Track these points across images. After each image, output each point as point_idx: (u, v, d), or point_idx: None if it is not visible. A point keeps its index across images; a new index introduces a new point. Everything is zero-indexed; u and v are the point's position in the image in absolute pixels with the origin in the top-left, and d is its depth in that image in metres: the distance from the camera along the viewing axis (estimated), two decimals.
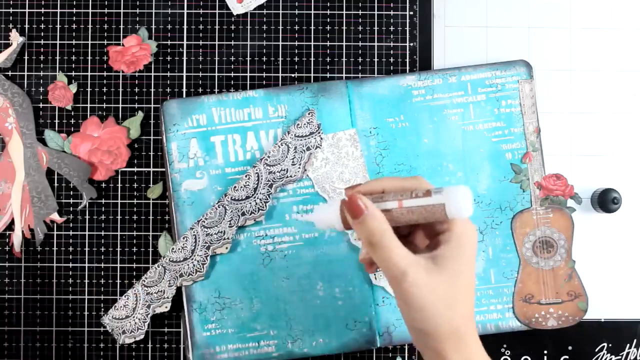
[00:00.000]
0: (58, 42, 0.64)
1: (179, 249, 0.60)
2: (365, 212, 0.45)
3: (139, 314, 0.60)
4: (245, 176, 0.61)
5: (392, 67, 0.65)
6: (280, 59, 0.65)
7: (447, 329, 0.45)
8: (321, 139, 0.61)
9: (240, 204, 0.61)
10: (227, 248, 0.61)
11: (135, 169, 0.64)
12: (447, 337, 0.46)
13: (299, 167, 0.61)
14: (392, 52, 0.65)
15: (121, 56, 0.63)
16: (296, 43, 0.65)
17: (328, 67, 0.64)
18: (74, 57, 0.64)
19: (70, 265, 0.63)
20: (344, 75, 0.64)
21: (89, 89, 0.64)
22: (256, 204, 0.61)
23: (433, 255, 0.46)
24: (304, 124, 0.61)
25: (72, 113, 0.64)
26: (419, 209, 0.45)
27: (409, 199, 0.46)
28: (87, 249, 0.63)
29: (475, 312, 0.62)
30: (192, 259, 0.60)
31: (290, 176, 0.61)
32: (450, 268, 0.45)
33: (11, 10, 0.64)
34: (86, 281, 0.63)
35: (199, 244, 0.60)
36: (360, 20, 0.65)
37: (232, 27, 0.65)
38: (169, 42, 0.64)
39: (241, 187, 0.61)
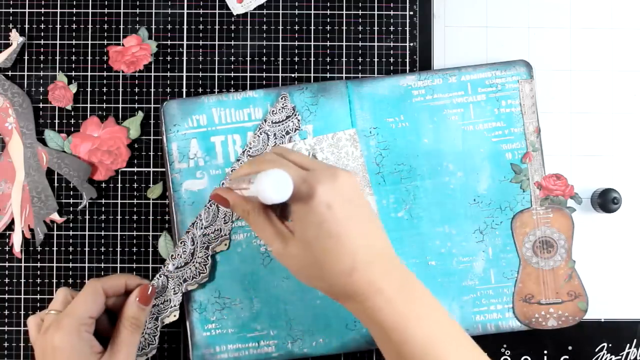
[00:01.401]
0: (58, 42, 0.64)
1: (178, 254, 0.60)
2: (230, 202, 0.53)
3: (148, 328, 0.60)
4: (231, 170, 0.61)
5: (392, 67, 0.65)
6: (280, 59, 0.65)
7: (327, 290, 0.49)
8: (298, 120, 0.61)
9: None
10: (226, 245, 0.61)
11: (135, 169, 0.64)
12: (338, 297, 0.49)
13: None
14: (392, 52, 0.65)
15: (121, 56, 0.63)
16: (296, 43, 0.65)
17: (328, 67, 0.64)
18: (74, 57, 0.64)
19: (70, 265, 0.63)
20: (344, 75, 0.64)
21: (89, 89, 0.64)
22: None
23: (293, 224, 0.49)
24: (279, 110, 0.61)
25: (72, 113, 0.64)
26: (252, 196, 0.48)
27: (246, 185, 0.49)
28: (87, 249, 0.63)
29: (474, 311, 0.62)
30: (194, 262, 0.60)
31: None
32: (300, 238, 0.48)
33: (11, 10, 0.64)
34: (86, 281, 0.63)
35: (197, 246, 0.60)
36: (360, 20, 0.65)
37: (232, 27, 0.65)
38: (169, 42, 0.64)
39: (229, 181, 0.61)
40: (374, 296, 0.47)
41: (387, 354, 0.49)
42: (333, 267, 0.47)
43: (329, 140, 0.62)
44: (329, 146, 0.62)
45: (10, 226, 0.63)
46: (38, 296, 0.63)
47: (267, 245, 0.52)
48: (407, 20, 0.65)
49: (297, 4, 0.65)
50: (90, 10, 0.64)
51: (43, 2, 0.64)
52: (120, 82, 0.64)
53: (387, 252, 0.50)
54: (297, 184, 0.47)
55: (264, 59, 0.65)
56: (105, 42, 0.64)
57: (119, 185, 0.64)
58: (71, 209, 0.64)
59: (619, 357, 0.64)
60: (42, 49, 0.64)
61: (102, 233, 0.64)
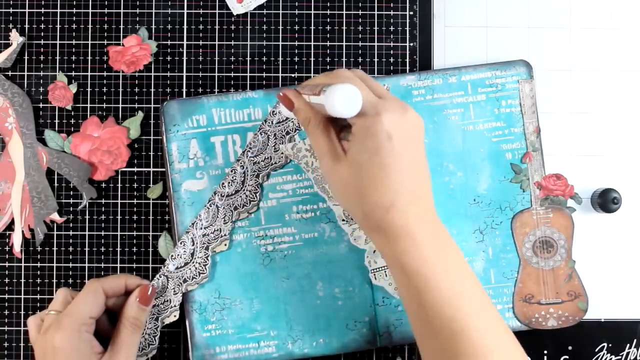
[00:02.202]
0: (58, 42, 0.64)
1: (178, 254, 0.60)
2: (295, 105, 0.53)
3: (148, 328, 0.60)
4: (231, 171, 0.61)
5: (392, 67, 0.65)
6: (280, 59, 0.65)
7: (361, 218, 0.49)
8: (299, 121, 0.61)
9: (231, 199, 0.61)
10: (226, 245, 0.61)
11: (135, 169, 0.64)
12: (369, 228, 0.49)
13: (282, 153, 0.61)
14: (392, 52, 0.65)
15: (121, 56, 0.63)
16: (296, 43, 0.65)
17: (328, 67, 0.64)
18: (74, 57, 0.64)
19: (70, 265, 0.63)
20: None
21: (89, 89, 0.64)
22: (246, 196, 0.61)
23: (348, 143, 0.49)
24: (279, 111, 0.61)
25: (72, 113, 0.64)
26: (319, 105, 0.48)
27: (314, 95, 0.49)
28: (87, 249, 0.63)
29: None
30: (194, 262, 0.60)
31: (275, 163, 0.61)
32: (351, 159, 0.48)
33: (11, 10, 0.64)
34: (86, 281, 0.63)
35: (197, 246, 0.60)
36: (360, 20, 0.65)
37: (232, 27, 0.65)
38: (169, 42, 0.64)
39: (228, 182, 0.61)
40: (404, 238, 0.47)
41: (406, 300, 0.49)
42: (373, 198, 0.47)
43: None
44: None
45: (10, 226, 0.63)
46: (38, 296, 0.63)
47: (317, 158, 0.51)
48: (407, 20, 0.65)
49: (297, 4, 0.65)
50: (90, 10, 0.64)
51: (43, 2, 0.64)
52: (120, 82, 0.64)
53: (427, 199, 0.50)
54: (365, 105, 0.47)
55: (264, 59, 0.64)
56: (105, 42, 0.64)
57: (119, 185, 0.64)
58: (71, 209, 0.64)
59: (619, 357, 0.64)
60: (42, 49, 0.64)
61: (102, 233, 0.64)
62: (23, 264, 0.63)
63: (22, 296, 0.64)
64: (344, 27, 0.65)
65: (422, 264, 0.47)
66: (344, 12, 0.65)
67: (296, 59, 0.64)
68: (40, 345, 0.54)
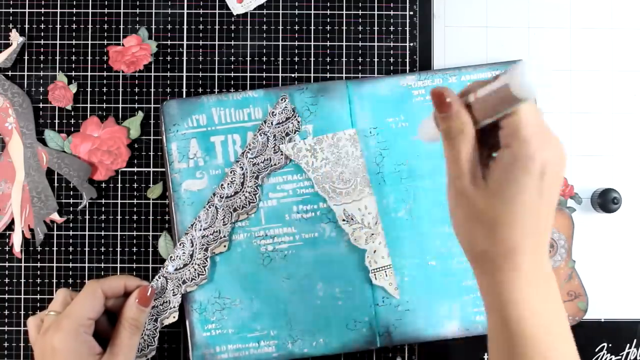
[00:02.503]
0: (58, 42, 0.64)
1: (177, 256, 0.60)
2: (452, 109, 0.44)
3: (148, 329, 0.60)
4: (231, 172, 0.61)
5: (392, 67, 0.65)
6: (280, 59, 0.65)
7: (473, 248, 0.45)
8: (299, 122, 0.61)
9: (230, 201, 0.61)
10: (225, 246, 0.61)
11: (135, 169, 0.64)
12: (475, 257, 0.46)
13: (282, 155, 0.61)
14: (392, 52, 0.65)
15: (121, 56, 0.63)
16: (296, 43, 0.65)
17: (328, 67, 0.64)
18: (74, 57, 0.64)
19: (70, 265, 0.63)
20: (344, 75, 0.64)
21: (89, 89, 0.64)
22: (245, 197, 0.61)
23: (490, 170, 0.44)
24: (279, 112, 0.61)
25: (72, 113, 0.64)
26: (490, 98, 0.43)
27: (482, 88, 0.43)
28: (87, 249, 0.63)
29: (474, 311, 0.62)
30: (193, 264, 0.60)
31: (275, 164, 0.61)
32: (493, 189, 0.43)
33: (11, 10, 0.64)
34: (86, 281, 0.63)
35: (196, 247, 0.60)
36: (360, 20, 0.65)
37: (232, 27, 0.65)
38: (169, 42, 0.64)
39: (228, 183, 0.61)
40: (509, 272, 0.44)
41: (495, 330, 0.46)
42: (499, 235, 0.43)
43: (329, 140, 0.62)
44: (329, 146, 0.62)
45: (10, 226, 0.63)
46: (38, 296, 0.63)
47: (452, 175, 0.45)
48: (407, 20, 0.65)
49: (297, 4, 0.65)
50: (90, 10, 0.64)
51: (43, 2, 0.64)
52: (120, 82, 0.64)
53: (545, 240, 0.45)
54: (527, 130, 0.42)
55: (264, 59, 0.65)
56: (105, 42, 0.64)
57: (119, 185, 0.64)
58: (71, 209, 0.64)
59: (619, 357, 0.64)
60: (42, 49, 0.64)
61: (102, 233, 0.64)
62: (23, 264, 0.63)
63: (22, 296, 0.64)
64: (344, 27, 0.65)
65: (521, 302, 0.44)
66: (344, 12, 0.65)
67: (296, 59, 0.64)
68: (39, 345, 0.54)
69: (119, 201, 0.64)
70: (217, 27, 0.65)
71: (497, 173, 0.43)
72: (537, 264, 0.45)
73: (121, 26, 0.64)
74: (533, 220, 0.43)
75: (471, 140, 0.44)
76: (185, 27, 0.64)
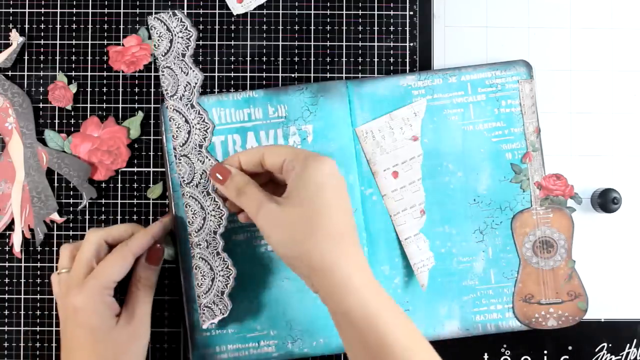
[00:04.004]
0: (58, 42, 0.64)
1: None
2: (232, 172, 0.56)
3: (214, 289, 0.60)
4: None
5: (392, 67, 0.65)
6: (280, 59, 0.65)
7: (299, 258, 0.51)
8: (188, 37, 0.61)
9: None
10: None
11: (135, 169, 0.64)
12: (299, 267, 0.52)
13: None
14: (392, 52, 0.65)
15: (121, 56, 0.63)
16: (296, 43, 0.65)
17: (328, 67, 0.64)
18: (74, 57, 0.64)
19: None
20: (344, 75, 0.64)
21: (89, 89, 0.64)
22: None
23: (285, 195, 0.53)
24: (158, 36, 0.61)
25: (72, 113, 0.64)
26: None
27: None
28: None
29: (474, 311, 0.62)
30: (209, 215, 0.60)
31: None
32: (294, 197, 0.52)
33: (11, 10, 0.64)
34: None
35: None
36: (360, 20, 0.65)
37: (232, 27, 0.65)
38: None
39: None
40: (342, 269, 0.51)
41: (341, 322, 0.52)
42: (320, 231, 0.50)
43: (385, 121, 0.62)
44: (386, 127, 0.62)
45: (10, 226, 0.63)
46: (38, 296, 0.64)
47: (258, 207, 0.53)
48: (407, 20, 0.65)
49: (297, 4, 0.65)
50: (90, 10, 0.64)
51: (43, 2, 0.64)
52: (120, 82, 0.64)
53: (354, 232, 0.53)
54: (289, 160, 0.53)
55: (264, 59, 0.65)
56: (105, 42, 0.64)
57: (119, 185, 0.64)
58: (71, 209, 0.64)
59: (619, 357, 0.64)
60: (42, 49, 0.64)
61: None
62: (23, 264, 0.64)
63: (22, 296, 0.64)
64: (344, 27, 0.65)
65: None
66: (344, 12, 0.65)
67: (296, 59, 0.64)
68: (62, 304, 0.56)
69: (119, 201, 0.64)
70: (217, 27, 0.65)
71: (291, 190, 0.52)
72: (352, 250, 0.52)
73: (121, 26, 0.64)
74: (337, 214, 0.52)
75: (255, 184, 0.55)
76: None
